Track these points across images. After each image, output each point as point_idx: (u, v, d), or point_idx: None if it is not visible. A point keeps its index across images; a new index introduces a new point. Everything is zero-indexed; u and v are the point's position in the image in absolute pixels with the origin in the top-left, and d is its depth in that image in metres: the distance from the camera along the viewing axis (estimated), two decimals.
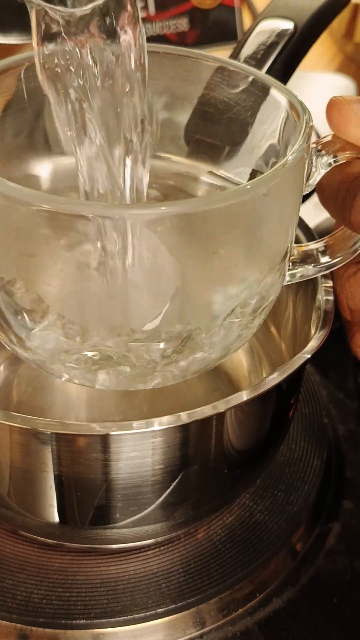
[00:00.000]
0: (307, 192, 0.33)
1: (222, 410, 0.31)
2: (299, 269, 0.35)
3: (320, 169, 0.32)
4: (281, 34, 0.48)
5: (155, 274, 0.29)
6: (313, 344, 0.33)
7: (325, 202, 0.35)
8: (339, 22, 0.76)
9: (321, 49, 0.79)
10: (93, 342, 0.30)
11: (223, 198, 0.27)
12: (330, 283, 0.37)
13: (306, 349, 0.33)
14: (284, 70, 0.45)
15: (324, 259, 0.35)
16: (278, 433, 0.38)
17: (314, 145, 0.32)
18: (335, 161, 0.32)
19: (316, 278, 0.37)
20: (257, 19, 0.49)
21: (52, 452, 0.31)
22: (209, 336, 0.31)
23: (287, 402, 0.37)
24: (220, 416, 0.32)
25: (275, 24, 0.48)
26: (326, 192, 0.34)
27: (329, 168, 0.32)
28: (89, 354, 0.31)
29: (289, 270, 0.35)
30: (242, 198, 0.28)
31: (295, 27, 0.48)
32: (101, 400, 0.45)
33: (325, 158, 0.32)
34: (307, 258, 0.35)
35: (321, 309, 0.36)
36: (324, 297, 0.36)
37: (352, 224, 0.33)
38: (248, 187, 0.28)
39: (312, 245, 0.35)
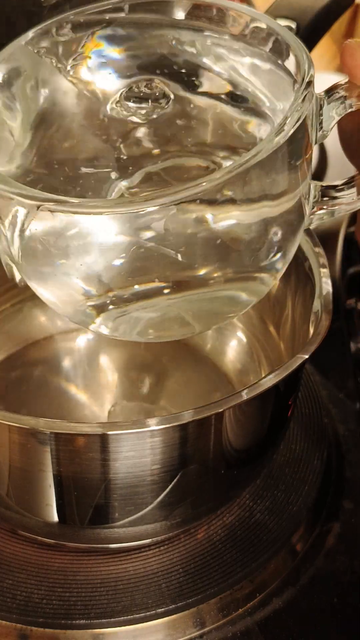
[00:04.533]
0: (321, 141, 0.31)
1: (219, 410, 0.31)
2: (326, 209, 0.33)
3: (334, 117, 0.30)
4: None
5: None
6: (311, 344, 0.33)
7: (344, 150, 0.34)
8: (339, 22, 0.75)
9: (321, 49, 0.79)
10: None
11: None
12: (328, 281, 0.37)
13: (304, 349, 0.33)
14: None
15: (352, 194, 0.33)
16: (277, 433, 0.38)
17: (322, 94, 0.30)
18: (350, 105, 0.30)
19: (315, 278, 0.37)
20: None
21: (51, 452, 0.31)
22: None
23: (286, 402, 0.37)
24: (218, 416, 0.32)
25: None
26: (341, 139, 0.33)
27: (343, 114, 0.30)
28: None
29: (317, 210, 0.33)
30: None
31: (298, 27, 0.48)
32: (100, 399, 0.45)
33: (338, 104, 0.30)
34: (335, 194, 0.33)
35: (320, 309, 0.36)
36: (323, 297, 0.36)
37: None
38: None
39: (339, 183, 0.34)
